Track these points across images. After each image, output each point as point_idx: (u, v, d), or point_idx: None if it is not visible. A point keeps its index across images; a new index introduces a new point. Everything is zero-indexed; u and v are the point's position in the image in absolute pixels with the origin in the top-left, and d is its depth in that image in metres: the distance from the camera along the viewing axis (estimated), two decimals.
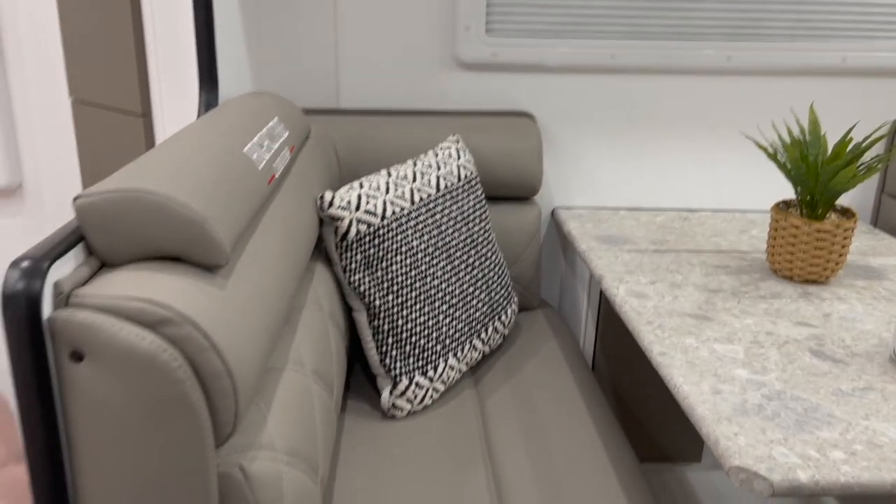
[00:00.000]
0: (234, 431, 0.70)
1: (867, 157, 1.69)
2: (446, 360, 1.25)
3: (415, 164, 1.32)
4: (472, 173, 1.39)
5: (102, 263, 0.70)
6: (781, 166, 1.24)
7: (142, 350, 0.62)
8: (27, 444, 0.63)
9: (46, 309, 0.62)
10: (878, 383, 0.95)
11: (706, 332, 1.08)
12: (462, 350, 1.28)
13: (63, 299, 0.63)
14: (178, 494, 0.66)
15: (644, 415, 1.64)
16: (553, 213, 1.68)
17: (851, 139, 1.18)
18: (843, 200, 1.73)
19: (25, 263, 0.61)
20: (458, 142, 1.43)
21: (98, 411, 0.64)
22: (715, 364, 0.99)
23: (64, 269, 0.65)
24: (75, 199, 0.68)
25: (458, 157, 1.38)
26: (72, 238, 0.67)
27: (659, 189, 1.69)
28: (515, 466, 1.10)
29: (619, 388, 1.58)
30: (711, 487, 1.64)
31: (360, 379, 1.35)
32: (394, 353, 1.21)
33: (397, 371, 1.21)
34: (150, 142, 1.32)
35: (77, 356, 0.63)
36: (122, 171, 0.73)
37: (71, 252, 0.66)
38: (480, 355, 1.35)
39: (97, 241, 0.68)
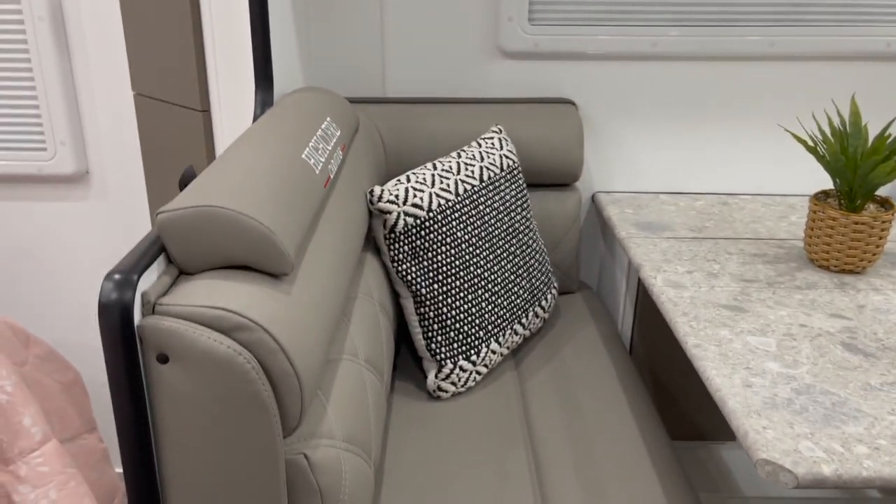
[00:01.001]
0: (299, 424, 0.77)
1: None
2: (488, 345, 1.32)
3: (459, 156, 1.37)
4: (514, 163, 1.44)
5: (181, 271, 0.78)
6: (821, 158, 1.26)
7: (220, 353, 0.69)
8: (121, 435, 0.72)
9: (136, 316, 0.70)
10: None
11: (741, 324, 1.12)
12: (503, 335, 1.34)
13: (150, 307, 0.71)
14: (251, 480, 0.74)
15: (680, 395, 1.69)
16: (593, 198, 1.72)
17: (891, 135, 1.19)
18: (886, 187, 1.73)
19: (118, 276, 0.69)
20: (500, 132, 1.47)
21: (181, 406, 0.71)
22: (748, 357, 1.03)
23: (149, 278, 0.72)
24: (157, 213, 0.75)
25: (501, 148, 1.43)
26: (154, 250, 0.75)
27: (699, 174, 1.71)
28: (554, 446, 1.17)
29: (656, 370, 1.63)
30: (744, 464, 1.69)
31: (407, 361, 1.42)
32: (439, 338, 1.28)
33: (442, 355, 1.28)
34: (209, 136, 1.39)
35: (163, 358, 0.70)
36: (196, 185, 0.80)
37: (154, 263, 0.74)
38: (521, 339, 1.41)
39: (176, 252, 0.76)
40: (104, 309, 0.68)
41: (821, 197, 1.32)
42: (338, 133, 1.19)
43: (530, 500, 1.06)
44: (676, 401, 1.62)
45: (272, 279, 0.79)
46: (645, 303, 1.64)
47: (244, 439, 0.73)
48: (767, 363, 1.02)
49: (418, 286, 1.26)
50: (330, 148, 1.10)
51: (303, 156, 0.97)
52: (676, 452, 1.18)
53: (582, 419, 1.23)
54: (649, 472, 1.11)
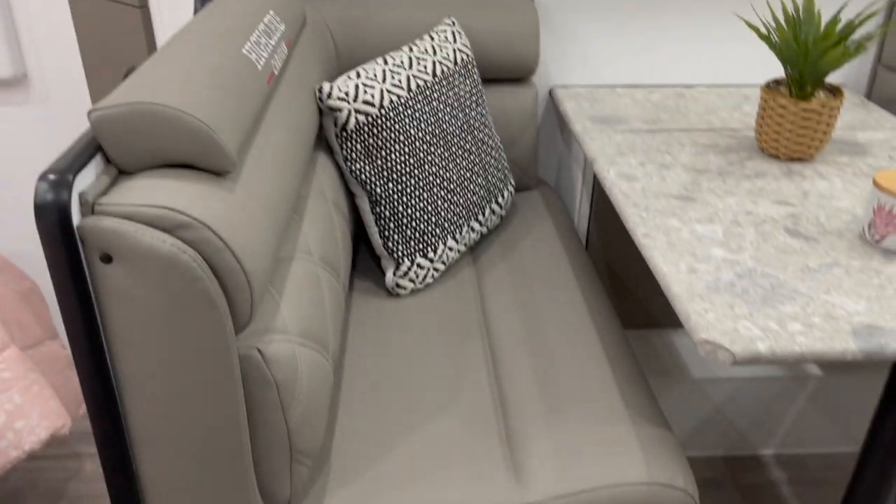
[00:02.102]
0: (251, 319, 0.78)
1: (859, 33, 1.68)
2: (445, 243, 1.33)
3: (411, 50, 1.34)
4: (468, 57, 1.41)
5: (119, 171, 0.76)
6: (773, 46, 1.25)
7: (163, 252, 0.69)
8: (71, 337, 0.72)
9: (75, 217, 0.69)
10: (844, 259, 1.02)
11: (689, 213, 1.14)
12: (460, 232, 1.36)
13: (89, 208, 0.70)
14: (206, 376, 0.76)
15: (634, 285, 1.73)
16: (551, 93, 1.71)
17: (840, 20, 1.18)
18: (839, 73, 1.73)
19: (52, 176, 0.67)
20: (453, 24, 1.43)
21: (129, 306, 0.72)
22: (694, 244, 1.06)
23: (86, 178, 0.71)
24: (90, 112, 0.73)
25: (455, 41, 1.39)
26: (90, 149, 0.73)
27: (656, 65, 1.70)
28: (510, 337, 1.20)
29: (611, 262, 1.67)
30: (693, 348, 1.77)
31: (366, 261, 1.43)
32: (395, 237, 1.29)
33: (399, 253, 1.29)
34: (149, 33, 1.34)
35: (107, 258, 0.70)
36: (131, 81, 0.77)
37: (91, 163, 0.72)
38: (479, 236, 1.42)
39: (113, 151, 0.74)
40: (40, 210, 0.67)
41: (772, 86, 1.32)
42: (282, 27, 1.15)
43: (486, 389, 1.10)
44: (631, 291, 1.67)
45: (215, 177, 0.78)
46: (601, 197, 1.65)
47: (196, 336, 0.74)
48: (713, 250, 1.05)
49: (372, 185, 1.26)
50: (273, 43, 1.07)
51: (243, 50, 0.94)
52: (628, 340, 1.23)
53: (537, 311, 1.27)
54: (601, 359, 1.15)
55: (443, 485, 0.94)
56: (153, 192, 0.71)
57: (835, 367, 1.69)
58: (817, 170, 1.29)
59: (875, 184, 1.02)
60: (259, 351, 0.80)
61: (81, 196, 0.69)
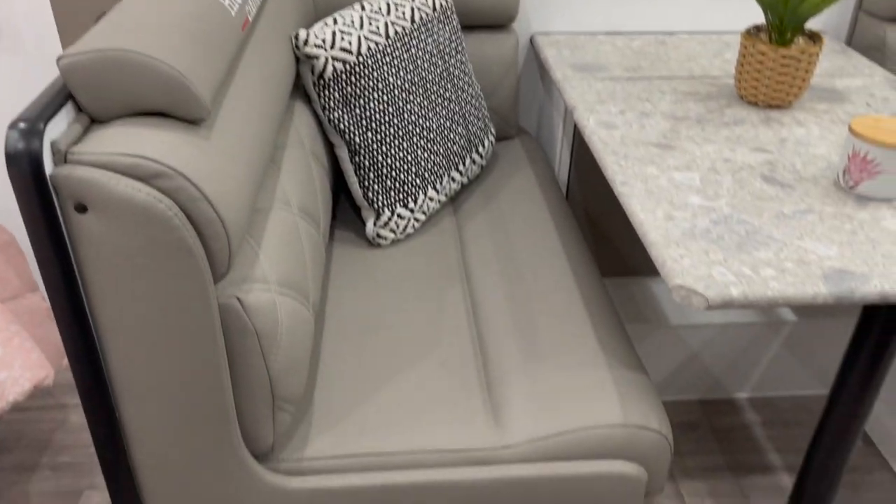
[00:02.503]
0: (229, 269, 0.78)
1: None
2: (426, 193, 1.33)
3: None
4: (447, 3, 1.39)
5: (92, 119, 0.75)
6: None
7: (139, 202, 0.69)
8: (49, 288, 0.72)
9: (48, 166, 0.68)
10: (818, 205, 1.04)
11: (668, 160, 1.15)
12: (441, 182, 1.35)
13: (61, 157, 0.69)
14: (186, 325, 0.76)
15: (613, 234, 1.75)
16: (531, 40, 1.69)
17: None
18: (819, 19, 1.73)
19: (23, 125, 0.66)
20: None
21: (107, 255, 0.72)
22: (672, 192, 1.07)
23: (58, 127, 0.70)
24: (59, 58, 0.72)
25: None
26: (61, 97, 0.72)
27: (637, 12, 1.68)
28: (490, 284, 1.22)
29: (591, 211, 1.68)
30: (670, 295, 1.79)
31: (346, 210, 1.43)
32: (375, 187, 1.28)
33: (380, 204, 1.29)
34: None
35: (81, 208, 0.69)
36: (101, 27, 0.75)
37: (62, 110, 0.71)
38: (459, 186, 1.42)
39: (84, 99, 0.73)
40: (11, 159, 0.66)
41: (752, 32, 1.32)
42: None
43: (466, 335, 1.12)
44: (610, 239, 1.68)
45: (189, 126, 0.77)
46: (581, 145, 1.65)
47: (174, 286, 0.74)
48: (690, 197, 1.06)
49: (351, 134, 1.25)
50: None
51: None
52: (606, 287, 1.24)
53: (516, 260, 1.28)
54: (579, 306, 1.17)
55: (423, 429, 0.96)
56: (127, 140, 0.71)
57: (808, 312, 1.73)
58: (795, 117, 1.29)
59: (850, 130, 1.03)
60: (238, 300, 0.80)
61: (53, 145, 0.68)
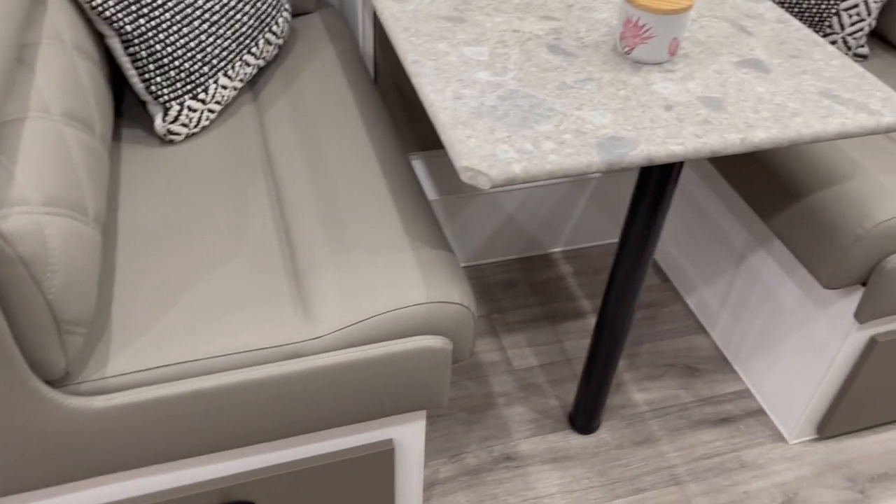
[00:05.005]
0: None
1: None
2: (216, 81, 1.25)
3: None
4: None
5: None
6: None
7: None
8: None
9: None
10: (598, 73, 1.08)
11: (458, 35, 1.14)
12: (233, 68, 1.28)
13: None
14: None
15: (421, 110, 1.74)
16: None
17: None
18: None
19: None
20: None
21: None
22: (461, 69, 1.07)
23: None
24: None
25: None
26: None
27: None
28: (294, 174, 1.19)
29: (401, 86, 1.66)
30: None
31: (134, 105, 1.32)
32: (158, 79, 1.19)
33: (166, 97, 1.20)
34: None
35: None
36: None
37: None
38: (255, 70, 1.35)
39: None
40: None
41: None
42: None
43: (272, 229, 1.10)
44: (418, 115, 1.68)
45: None
46: None
47: None
48: (478, 73, 1.06)
49: (120, 22, 1.13)
50: None
51: None
52: (411, 164, 1.25)
53: (320, 145, 1.25)
54: (383, 190, 1.17)
55: (231, 328, 0.96)
56: None
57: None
58: None
59: None
60: None
61: None
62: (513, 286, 1.84)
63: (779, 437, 1.56)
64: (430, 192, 1.76)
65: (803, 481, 1.48)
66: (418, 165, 1.74)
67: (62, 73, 0.99)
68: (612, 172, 1.85)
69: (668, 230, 1.87)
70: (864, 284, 1.28)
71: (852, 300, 1.32)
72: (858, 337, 1.36)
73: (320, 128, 1.29)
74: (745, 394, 1.64)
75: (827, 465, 1.51)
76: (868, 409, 1.50)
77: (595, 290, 1.85)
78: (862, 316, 1.29)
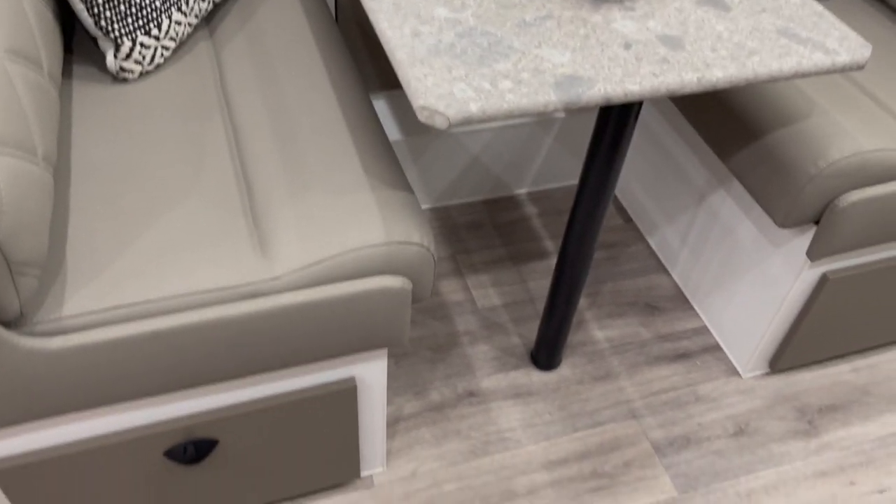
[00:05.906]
0: None
1: None
2: (170, 16, 1.21)
3: None
4: None
5: None
6: None
7: None
8: None
9: None
10: (558, 10, 1.07)
11: None
12: (186, 3, 1.24)
13: None
14: None
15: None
16: None
17: None
18: None
19: None
20: None
21: None
22: (419, 5, 1.05)
23: None
24: None
25: None
26: None
27: None
28: (251, 112, 1.17)
29: (364, 24, 1.62)
30: None
31: (85, 40, 1.28)
32: (108, 14, 1.15)
33: (117, 33, 1.17)
34: None
35: None
36: None
37: None
38: (211, 5, 1.31)
39: None
40: None
41: None
42: None
43: (229, 168, 1.09)
44: (380, 53, 1.66)
45: None
46: None
47: None
48: (437, 9, 1.04)
49: None
50: None
51: None
52: (371, 103, 1.24)
53: (279, 84, 1.23)
54: (343, 130, 1.16)
55: (188, 268, 0.95)
56: None
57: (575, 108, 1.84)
58: None
59: None
60: None
61: None
62: (478, 227, 1.85)
63: (733, 372, 1.61)
64: (395, 133, 1.74)
65: (755, 413, 1.54)
66: (381, 105, 1.72)
67: (4, 7, 0.96)
68: (572, 112, 1.85)
69: (632, 171, 1.89)
70: (816, 223, 1.31)
71: (805, 238, 1.35)
72: (810, 274, 1.40)
73: (279, 65, 1.26)
74: (703, 331, 1.68)
75: (778, 397, 1.57)
76: (818, 344, 1.55)
77: (559, 230, 1.87)
78: (814, 254, 1.32)
